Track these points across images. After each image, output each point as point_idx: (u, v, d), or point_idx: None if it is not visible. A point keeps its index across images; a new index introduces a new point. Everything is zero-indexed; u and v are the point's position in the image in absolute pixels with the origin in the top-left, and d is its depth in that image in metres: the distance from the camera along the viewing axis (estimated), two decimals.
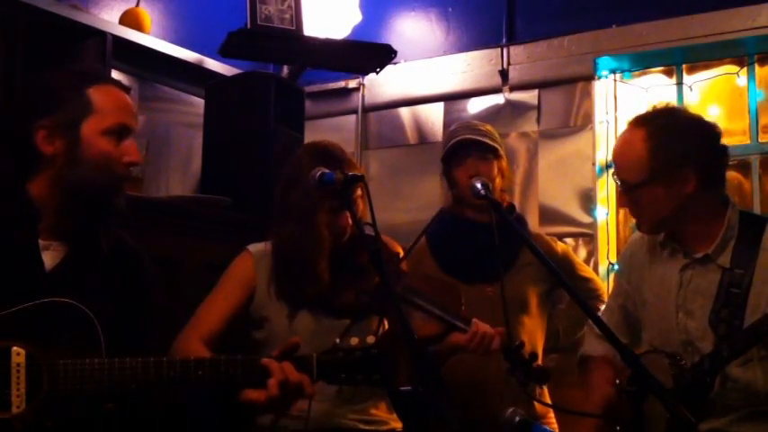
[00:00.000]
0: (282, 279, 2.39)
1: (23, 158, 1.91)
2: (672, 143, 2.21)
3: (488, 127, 2.97)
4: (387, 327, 2.43)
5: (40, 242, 1.89)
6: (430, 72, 4.08)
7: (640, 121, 2.29)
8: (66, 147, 1.89)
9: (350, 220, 2.37)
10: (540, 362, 2.41)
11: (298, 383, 1.87)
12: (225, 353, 2.21)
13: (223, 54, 3.63)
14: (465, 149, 2.87)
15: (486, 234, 2.55)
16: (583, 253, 3.61)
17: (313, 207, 2.34)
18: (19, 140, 1.92)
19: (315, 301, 2.36)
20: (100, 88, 1.93)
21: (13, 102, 1.99)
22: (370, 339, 1.91)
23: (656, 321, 2.32)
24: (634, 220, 2.41)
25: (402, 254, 2.57)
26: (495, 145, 2.87)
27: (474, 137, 2.86)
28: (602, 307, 2.74)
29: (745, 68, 3.54)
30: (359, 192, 2.34)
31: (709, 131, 2.26)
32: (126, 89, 1.99)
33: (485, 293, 2.78)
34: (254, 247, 2.49)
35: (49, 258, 1.89)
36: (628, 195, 2.28)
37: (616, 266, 3.18)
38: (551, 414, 2.88)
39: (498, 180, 2.84)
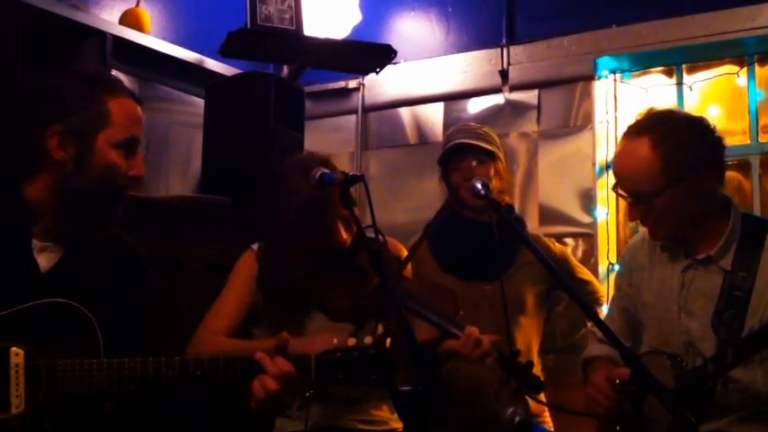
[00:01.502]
0: (266, 296, 2.43)
1: (25, 159, 1.90)
2: (681, 145, 2.18)
3: (486, 129, 2.97)
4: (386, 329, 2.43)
5: (38, 243, 1.89)
6: (430, 72, 4.08)
7: (640, 130, 2.23)
8: (77, 154, 1.88)
9: (344, 234, 2.39)
10: (535, 368, 2.40)
11: (293, 373, 1.88)
12: None
13: (223, 54, 3.63)
14: (461, 153, 2.88)
15: (486, 233, 2.55)
16: (583, 253, 3.61)
17: (287, 234, 2.37)
18: (23, 140, 1.90)
19: (291, 320, 2.37)
20: (118, 100, 1.93)
21: (20, 99, 1.97)
22: (368, 340, 1.91)
23: (657, 322, 2.32)
24: (635, 223, 2.40)
25: (405, 256, 2.58)
26: (492, 148, 2.88)
27: (469, 141, 2.87)
28: (600, 310, 2.74)
29: (745, 68, 3.53)
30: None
31: (707, 126, 2.25)
32: (139, 100, 1.99)
33: (483, 292, 2.79)
34: (257, 246, 2.51)
35: (45, 260, 1.89)
36: (641, 206, 2.22)
37: (616, 267, 3.18)
38: (546, 413, 2.88)
39: (495, 182, 2.84)
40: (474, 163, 2.86)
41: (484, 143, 2.87)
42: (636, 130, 2.24)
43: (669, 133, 2.20)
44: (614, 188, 2.30)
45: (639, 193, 2.20)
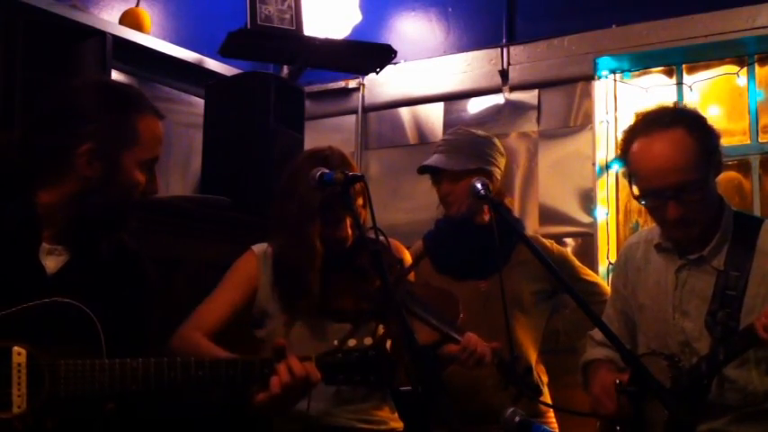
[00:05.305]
0: (278, 289, 2.42)
1: (49, 168, 1.90)
2: (708, 134, 2.20)
3: (471, 137, 2.87)
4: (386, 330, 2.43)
5: (46, 246, 1.89)
6: (430, 72, 4.08)
7: (669, 121, 2.19)
8: (104, 171, 1.89)
9: (349, 229, 2.39)
10: (538, 367, 2.40)
11: (304, 376, 1.88)
12: (227, 349, 2.23)
13: (223, 54, 3.63)
14: (436, 171, 2.85)
15: (479, 233, 2.54)
16: (582, 253, 3.60)
17: (307, 219, 2.36)
18: (51, 151, 1.89)
19: (308, 310, 2.37)
20: (145, 118, 1.94)
21: (51, 109, 1.95)
22: (368, 341, 1.92)
23: (653, 324, 2.32)
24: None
25: (408, 259, 2.57)
26: (457, 167, 2.78)
27: (432, 164, 2.82)
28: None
29: (745, 68, 3.54)
30: (359, 201, 2.34)
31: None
32: (161, 116, 2.01)
33: (478, 289, 2.79)
34: (259, 248, 2.50)
35: (52, 262, 1.89)
36: (687, 198, 2.14)
37: None
38: (551, 413, 2.88)
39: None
40: (441, 185, 2.83)
41: (453, 163, 2.78)
42: (665, 122, 2.20)
43: (697, 122, 2.21)
44: (642, 196, 2.20)
45: (688, 183, 2.13)
